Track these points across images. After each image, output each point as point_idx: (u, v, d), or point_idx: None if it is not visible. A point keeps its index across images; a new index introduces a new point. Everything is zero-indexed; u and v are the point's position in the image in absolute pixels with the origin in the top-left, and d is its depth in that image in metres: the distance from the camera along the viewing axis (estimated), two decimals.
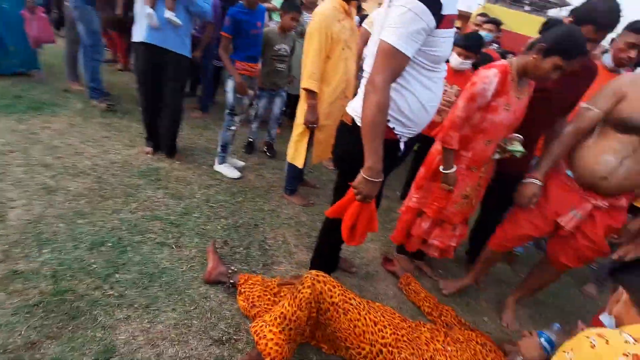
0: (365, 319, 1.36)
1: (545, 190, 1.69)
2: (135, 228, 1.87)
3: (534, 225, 1.74)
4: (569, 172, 1.65)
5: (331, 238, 1.61)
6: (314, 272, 1.35)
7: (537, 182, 1.64)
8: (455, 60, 2.47)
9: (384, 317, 1.45)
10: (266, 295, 1.58)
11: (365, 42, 2.54)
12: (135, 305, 1.44)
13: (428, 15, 1.04)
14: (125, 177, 2.30)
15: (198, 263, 1.76)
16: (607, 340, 1.00)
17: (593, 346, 1.00)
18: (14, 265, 1.48)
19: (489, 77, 1.56)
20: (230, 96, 2.57)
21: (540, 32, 1.59)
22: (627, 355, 0.96)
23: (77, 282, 1.47)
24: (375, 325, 1.37)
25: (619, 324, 1.15)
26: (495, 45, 3.76)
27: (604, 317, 1.23)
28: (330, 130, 2.27)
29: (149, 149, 2.68)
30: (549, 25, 1.57)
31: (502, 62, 1.64)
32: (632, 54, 1.82)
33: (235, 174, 2.68)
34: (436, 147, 1.84)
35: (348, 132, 1.37)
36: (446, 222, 1.93)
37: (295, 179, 2.58)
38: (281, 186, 2.69)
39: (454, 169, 1.73)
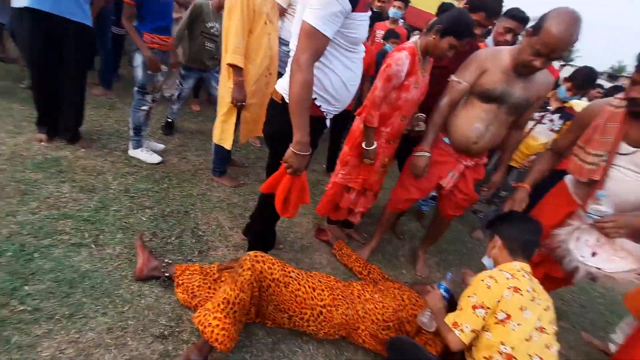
0: (304, 287, 1.49)
1: (430, 158, 1.95)
2: (40, 231, 1.64)
3: (420, 189, 2.02)
4: (446, 139, 1.93)
5: (266, 214, 1.65)
6: (252, 253, 1.40)
7: (427, 154, 1.88)
8: None
9: (320, 282, 1.60)
10: (206, 283, 1.58)
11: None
12: (57, 317, 1.31)
13: None
14: (17, 172, 1.96)
15: (125, 260, 1.64)
16: (495, 280, 1.28)
17: (488, 287, 1.27)
18: None
19: (401, 59, 1.70)
20: (139, 73, 2.30)
21: (437, 15, 1.77)
22: (510, 288, 1.27)
23: None
24: (314, 291, 1.51)
25: (496, 264, 1.47)
26: (401, 22, 3.98)
27: (485, 260, 1.56)
28: (257, 108, 2.24)
29: (43, 136, 2.29)
30: (443, 8, 1.76)
31: (409, 44, 1.80)
32: (509, 37, 2.13)
33: (156, 158, 2.47)
34: (357, 125, 1.96)
35: (278, 111, 1.40)
36: (368, 190, 2.12)
37: (224, 160, 2.50)
38: (208, 168, 2.58)
39: (375, 145, 1.88)
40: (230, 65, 2.01)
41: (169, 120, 3.01)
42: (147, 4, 2.19)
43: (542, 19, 1.48)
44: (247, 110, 2.23)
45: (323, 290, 1.55)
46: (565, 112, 2.67)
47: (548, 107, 2.71)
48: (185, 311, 1.50)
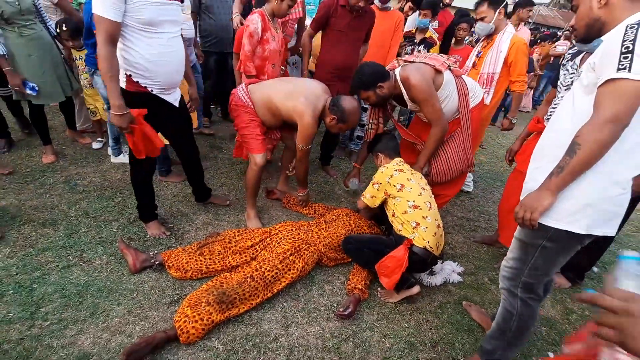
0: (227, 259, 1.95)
1: None
2: (26, 267, 1.82)
3: None
4: None
5: (138, 181, 2.05)
6: (180, 315, 1.57)
7: None
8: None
9: (281, 234, 2.08)
10: (192, 258, 1.93)
11: None
12: (81, 319, 1.59)
13: None
14: None
15: (115, 265, 1.91)
16: (386, 167, 1.92)
17: (382, 172, 1.95)
18: None
19: (254, 19, 2.33)
20: (104, 92, 2.39)
21: None
22: (396, 170, 1.94)
23: (4, 332, 1.49)
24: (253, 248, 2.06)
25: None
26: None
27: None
28: None
29: None
30: None
31: (259, 9, 2.40)
32: None
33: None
34: (244, 79, 2.45)
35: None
36: (269, 131, 2.50)
37: (165, 159, 2.72)
38: (155, 173, 2.78)
39: None
40: None
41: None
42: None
43: None
44: None
45: (282, 239, 2.02)
46: (427, 42, 3.27)
47: (415, 41, 3.30)
48: (183, 282, 1.86)
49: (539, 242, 1.26)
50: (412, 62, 2.08)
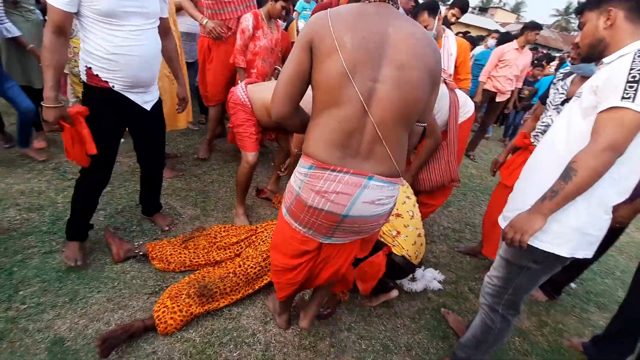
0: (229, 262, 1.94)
1: None
2: (8, 251, 1.81)
3: None
4: None
5: (79, 191, 1.80)
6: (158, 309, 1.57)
7: None
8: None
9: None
10: (176, 251, 1.94)
11: None
12: (59, 304, 1.59)
13: None
14: None
15: (99, 254, 1.91)
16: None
17: None
18: None
19: (247, 17, 2.64)
20: None
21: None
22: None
23: None
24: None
25: None
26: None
27: None
28: (167, 104, 2.47)
29: None
30: None
31: (255, 10, 2.71)
32: None
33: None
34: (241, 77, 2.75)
35: None
36: (264, 131, 2.52)
37: None
38: None
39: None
40: None
41: None
42: None
43: None
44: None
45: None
46: None
47: None
48: (166, 273, 1.86)
49: (524, 263, 1.28)
50: None
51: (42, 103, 1.49)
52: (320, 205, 1.13)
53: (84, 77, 1.62)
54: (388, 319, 1.90)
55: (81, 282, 1.72)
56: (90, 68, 1.59)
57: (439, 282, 2.21)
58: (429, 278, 2.17)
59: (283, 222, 1.30)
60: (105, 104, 1.65)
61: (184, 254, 1.93)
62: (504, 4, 43.28)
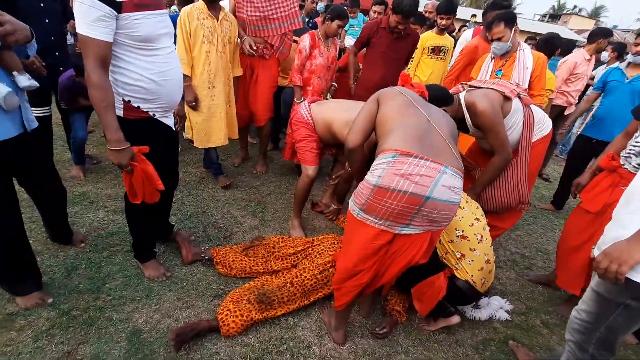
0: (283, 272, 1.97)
1: None
2: (97, 247, 2.05)
3: None
4: None
5: (136, 216, 1.78)
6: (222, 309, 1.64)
7: None
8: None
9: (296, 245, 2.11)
10: (238, 258, 2.04)
11: None
12: (137, 299, 1.75)
13: (99, 4, 1.23)
14: None
15: (171, 255, 2.08)
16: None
17: None
18: (2, 310, 1.61)
19: (305, 38, 2.81)
20: None
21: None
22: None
23: (75, 301, 1.69)
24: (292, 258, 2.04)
25: None
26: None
27: None
28: (207, 121, 2.65)
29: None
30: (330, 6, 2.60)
31: (313, 31, 2.89)
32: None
33: None
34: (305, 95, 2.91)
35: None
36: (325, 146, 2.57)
37: (211, 162, 2.97)
38: (209, 176, 3.02)
39: (303, 100, 2.62)
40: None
41: None
42: None
43: None
44: (199, 115, 2.62)
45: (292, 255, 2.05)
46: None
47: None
48: (228, 278, 1.96)
49: (621, 300, 1.12)
50: (479, 87, 2.04)
51: (109, 147, 1.37)
52: (404, 187, 1.27)
53: (120, 112, 1.47)
54: (449, 346, 1.78)
55: (155, 280, 1.88)
56: (129, 101, 1.46)
57: (507, 311, 2.03)
58: (495, 307, 2.00)
59: (354, 224, 1.43)
60: (148, 135, 1.54)
61: (245, 261, 2.02)
62: (580, 10, 39.62)
